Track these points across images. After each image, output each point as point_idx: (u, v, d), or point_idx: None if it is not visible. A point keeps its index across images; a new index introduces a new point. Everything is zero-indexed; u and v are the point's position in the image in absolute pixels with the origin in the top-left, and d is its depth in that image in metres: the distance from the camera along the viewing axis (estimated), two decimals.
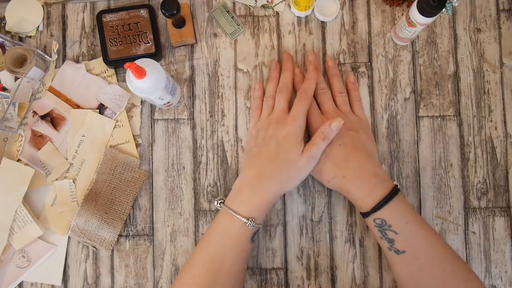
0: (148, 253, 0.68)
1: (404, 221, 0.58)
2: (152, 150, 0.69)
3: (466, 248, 0.67)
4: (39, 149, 0.68)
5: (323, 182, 0.64)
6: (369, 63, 0.70)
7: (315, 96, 0.66)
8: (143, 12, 0.68)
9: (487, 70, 0.70)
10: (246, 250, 0.60)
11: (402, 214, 0.59)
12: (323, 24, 0.71)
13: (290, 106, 0.64)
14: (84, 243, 0.67)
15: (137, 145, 0.69)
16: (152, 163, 0.69)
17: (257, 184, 0.59)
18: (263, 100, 0.67)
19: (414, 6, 0.60)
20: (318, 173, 0.63)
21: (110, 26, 0.68)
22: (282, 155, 0.60)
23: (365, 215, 0.60)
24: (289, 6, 0.70)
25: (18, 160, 0.68)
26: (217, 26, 0.71)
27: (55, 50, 0.70)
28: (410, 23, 0.62)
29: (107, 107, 0.69)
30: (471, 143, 0.69)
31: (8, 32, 0.71)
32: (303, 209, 0.68)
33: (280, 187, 0.60)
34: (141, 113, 0.69)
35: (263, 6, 0.71)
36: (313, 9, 0.69)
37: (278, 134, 0.61)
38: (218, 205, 0.61)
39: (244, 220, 0.58)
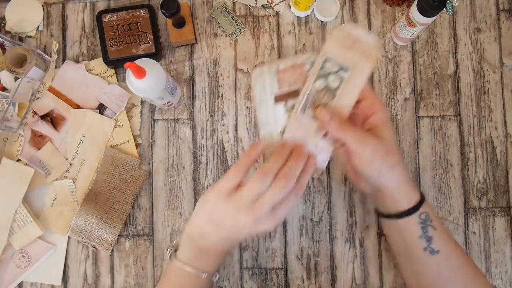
0: (148, 253, 0.68)
1: (437, 218, 0.57)
2: (152, 150, 0.69)
3: (466, 248, 0.67)
4: (39, 149, 0.68)
5: (382, 167, 0.55)
6: None
7: None
8: (143, 12, 0.68)
9: (487, 70, 0.70)
10: None
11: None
12: (323, 24, 0.71)
13: None
14: (84, 243, 0.67)
15: (137, 145, 0.69)
16: (152, 163, 0.69)
17: (199, 236, 0.55)
18: None
19: (414, 6, 0.61)
20: (384, 157, 0.54)
21: (110, 26, 0.68)
22: (231, 221, 0.52)
23: (411, 211, 0.56)
24: (289, 6, 0.70)
25: (18, 160, 0.68)
26: (217, 26, 0.71)
27: (55, 50, 0.70)
28: (410, 23, 0.62)
29: (107, 107, 0.69)
30: (471, 143, 0.69)
31: (8, 32, 0.71)
32: (303, 209, 0.68)
33: (226, 240, 0.54)
34: (141, 113, 0.70)
35: (263, 6, 0.71)
36: (313, 9, 0.69)
37: None
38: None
39: (193, 271, 0.54)
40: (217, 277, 0.57)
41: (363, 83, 0.55)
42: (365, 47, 0.55)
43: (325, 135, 0.55)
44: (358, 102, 0.56)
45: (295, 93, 0.55)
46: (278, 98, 0.55)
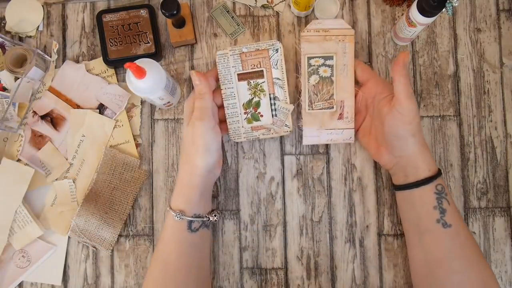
0: (148, 253, 0.68)
1: (450, 194, 0.60)
2: (152, 150, 0.69)
3: None
4: (39, 149, 0.68)
5: (416, 130, 0.59)
6: (369, 63, 0.70)
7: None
8: (143, 12, 0.68)
9: (487, 70, 0.70)
10: (187, 241, 0.60)
11: None
12: None
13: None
14: (84, 243, 0.67)
15: (137, 145, 0.69)
16: (152, 163, 0.69)
17: (176, 177, 0.62)
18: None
19: (414, 6, 0.61)
20: (419, 119, 0.59)
21: (110, 26, 0.68)
22: (183, 137, 0.62)
23: (429, 180, 0.59)
24: (289, 6, 0.70)
25: (18, 160, 0.68)
26: (217, 26, 0.71)
27: (55, 50, 0.70)
28: (410, 23, 0.62)
29: (107, 107, 0.69)
30: (471, 143, 0.69)
31: (8, 32, 0.71)
32: (303, 209, 0.68)
33: (187, 168, 0.60)
34: (141, 113, 0.70)
35: (263, 6, 0.71)
36: (313, 9, 0.69)
37: None
38: None
39: (172, 213, 0.59)
40: (200, 225, 0.61)
41: (352, 61, 0.64)
42: (337, 31, 0.64)
43: (340, 117, 0.64)
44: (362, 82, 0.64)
45: (259, 73, 0.64)
46: (241, 77, 0.64)
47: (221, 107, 0.65)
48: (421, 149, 0.59)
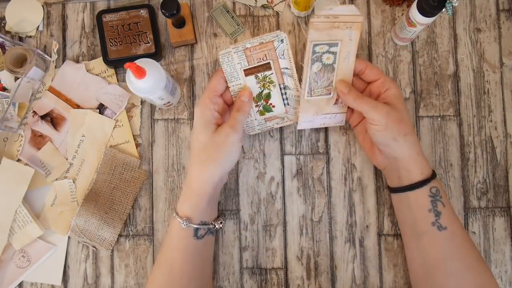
0: (148, 253, 0.68)
1: (446, 196, 0.60)
2: (152, 150, 0.69)
3: None
4: (39, 149, 0.68)
5: (396, 134, 0.58)
6: None
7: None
8: (143, 12, 0.68)
9: (487, 70, 0.70)
10: (192, 248, 0.59)
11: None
12: None
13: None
14: (84, 243, 0.67)
15: (137, 145, 0.69)
16: (152, 163, 0.69)
17: (184, 182, 0.60)
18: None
19: (414, 6, 0.61)
20: (397, 123, 0.58)
21: (110, 26, 0.68)
22: (194, 142, 0.60)
23: (422, 183, 0.58)
24: (289, 6, 0.70)
25: (18, 160, 0.68)
26: (217, 26, 0.71)
27: (55, 50, 0.70)
28: (410, 23, 0.63)
29: (107, 107, 0.69)
30: (471, 143, 0.69)
31: (8, 32, 0.71)
32: (303, 209, 0.68)
33: (199, 174, 0.59)
34: (141, 113, 0.70)
35: (263, 6, 0.71)
36: (313, 9, 0.69)
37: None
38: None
39: (179, 220, 0.59)
40: (206, 232, 0.60)
41: (355, 49, 0.62)
42: (346, 18, 0.61)
43: (336, 102, 0.64)
44: (371, 82, 0.63)
45: (266, 66, 0.63)
46: (247, 72, 0.62)
47: (231, 104, 0.64)
48: (411, 152, 0.59)
